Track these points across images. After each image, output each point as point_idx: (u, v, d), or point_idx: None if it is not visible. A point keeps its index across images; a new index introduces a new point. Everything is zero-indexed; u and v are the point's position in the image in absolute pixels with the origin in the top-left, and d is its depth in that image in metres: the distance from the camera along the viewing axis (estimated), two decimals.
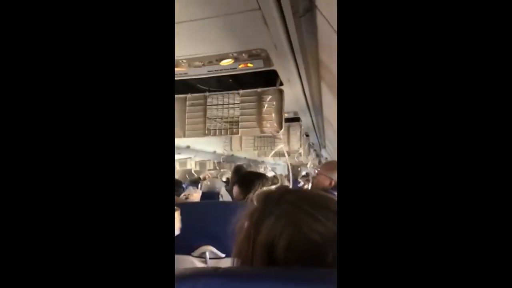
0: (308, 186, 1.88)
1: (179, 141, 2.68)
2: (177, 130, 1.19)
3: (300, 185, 2.13)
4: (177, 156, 3.32)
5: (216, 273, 0.34)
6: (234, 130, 1.16)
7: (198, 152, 3.37)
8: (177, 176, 2.91)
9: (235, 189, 1.16)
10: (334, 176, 1.44)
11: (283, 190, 0.41)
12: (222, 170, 3.88)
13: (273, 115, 1.12)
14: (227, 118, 1.16)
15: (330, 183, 1.43)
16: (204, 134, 1.17)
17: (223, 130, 1.16)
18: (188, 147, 2.98)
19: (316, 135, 2.33)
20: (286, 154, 1.50)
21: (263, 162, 5.04)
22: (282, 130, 1.13)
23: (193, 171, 3.59)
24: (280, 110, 1.12)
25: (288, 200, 0.38)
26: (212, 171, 3.67)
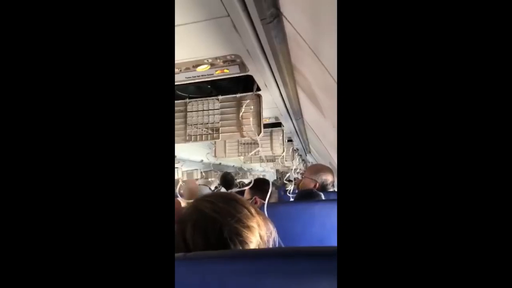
0: (291, 187, 1.94)
1: None
2: None
3: (287, 188, 2.17)
4: None
5: (184, 257, 0.36)
6: (214, 135, 1.18)
7: (185, 162, 3.36)
8: None
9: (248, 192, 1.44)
10: (318, 179, 1.49)
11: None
12: (210, 179, 3.87)
13: (252, 119, 1.15)
14: (207, 123, 1.18)
15: (315, 186, 1.48)
16: (185, 140, 1.19)
17: (203, 136, 1.18)
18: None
19: (300, 140, 2.37)
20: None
21: (251, 169, 5.05)
22: (261, 134, 1.16)
23: (181, 181, 3.56)
24: (258, 114, 1.15)
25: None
26: (200, 180, 3.66)
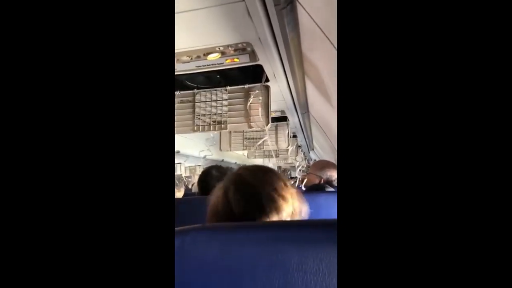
0: (295, 184, 1.94)
1: None
2: None
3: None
4: None
5: (202, 227, 0.36)
6: (222, 125, 1.19)
7: (188, 157, 3.37)
8: None
9: None
10: (323, 175, 1.49)
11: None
12: None
13: (260, 110, 1.16)
14: (215, 114, 1.19)
15: (320, 181, 1.49)
16: (193, 130, 1.19)
17: (211, 126, 1.19)
18: (177, 152, 2.98)
19: (304, 136, 2.38)
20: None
21: None
22: (269, 125, 1.17)
23: (183, 176, 3.58)
24: (266, 105, 1.16)
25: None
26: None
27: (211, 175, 0.99)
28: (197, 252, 0.34)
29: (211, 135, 1.96)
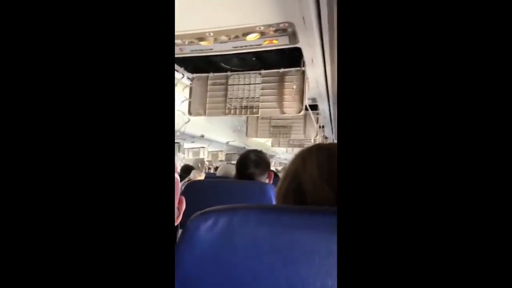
0: None
1: (194, 130, 2.71)
2: (198, 108, 1.21)
3: None
4: (191, 145, 3.38)
5: (251, 206, 0.35)
6: (254, 110, 1.17)
7: (211, 142, 3.41)
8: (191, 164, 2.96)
9: None
10: None
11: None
12: (233, 162, 3.91)
13: (294, 96, 1.12)
14: (247, 98, 1.17)
15: None
16: (225, 113, 1.18)
17: (243, 110, 1.17)
18: (202, 136, 3.02)
19: (331, 128, 2.32)
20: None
21: (274, 156, 5.04)
22: (302, 111, 1.13)
23: (206, 161, 3.64)
24: (301, 91, 1.12)
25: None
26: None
27: (250, 158, 1.02)
28: (248, 232, 0.33)
29: (243, 118, 1.95)
